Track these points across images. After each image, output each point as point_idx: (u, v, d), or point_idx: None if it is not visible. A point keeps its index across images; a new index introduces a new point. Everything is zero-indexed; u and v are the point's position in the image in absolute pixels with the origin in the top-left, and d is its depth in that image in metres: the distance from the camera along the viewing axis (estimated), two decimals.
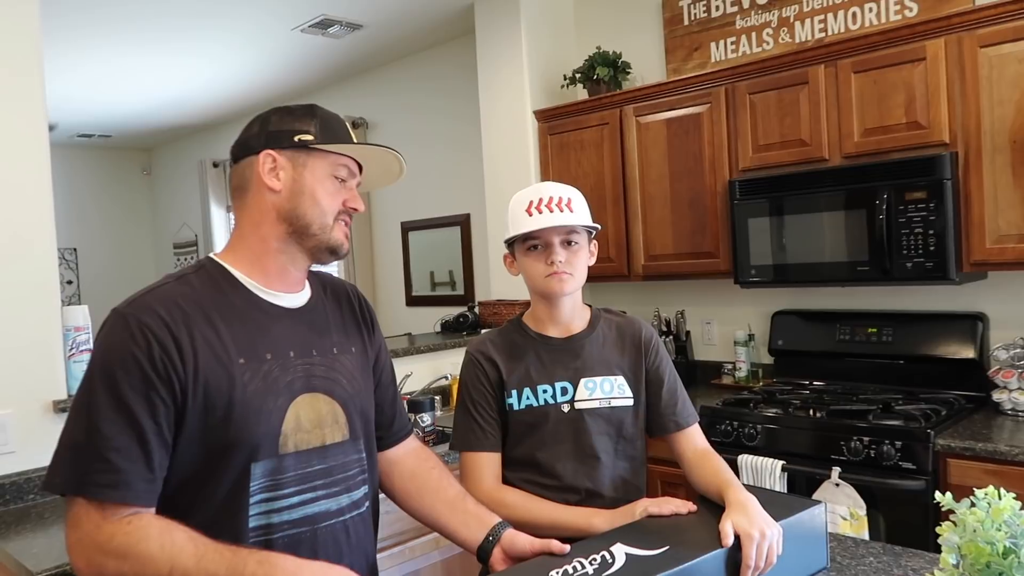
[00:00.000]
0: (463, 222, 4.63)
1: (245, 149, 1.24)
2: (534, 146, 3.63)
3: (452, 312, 3.86)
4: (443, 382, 3.18)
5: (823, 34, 3.00)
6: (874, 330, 2.88)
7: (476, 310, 3.74)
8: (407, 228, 5.04)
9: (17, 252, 2.17)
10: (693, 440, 1.61)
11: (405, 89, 4.98)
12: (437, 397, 2.90)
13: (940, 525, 1.06)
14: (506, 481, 1.57)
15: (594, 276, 3.45)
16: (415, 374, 2.98)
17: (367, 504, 1.30)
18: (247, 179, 1.24)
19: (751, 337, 3.25)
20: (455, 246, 4.69)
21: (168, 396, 1.09)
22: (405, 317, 5.02)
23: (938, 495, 1.07)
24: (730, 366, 3.31)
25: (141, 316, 1.11)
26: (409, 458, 1.45)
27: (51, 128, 5.29)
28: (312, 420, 1.21)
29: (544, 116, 3.59)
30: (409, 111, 4.95)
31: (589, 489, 1.54)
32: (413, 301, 5.03)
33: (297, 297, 1.28)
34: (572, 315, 1.61)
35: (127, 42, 4.35)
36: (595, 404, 1.56)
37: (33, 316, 2.18)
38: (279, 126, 1.23)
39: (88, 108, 5.89)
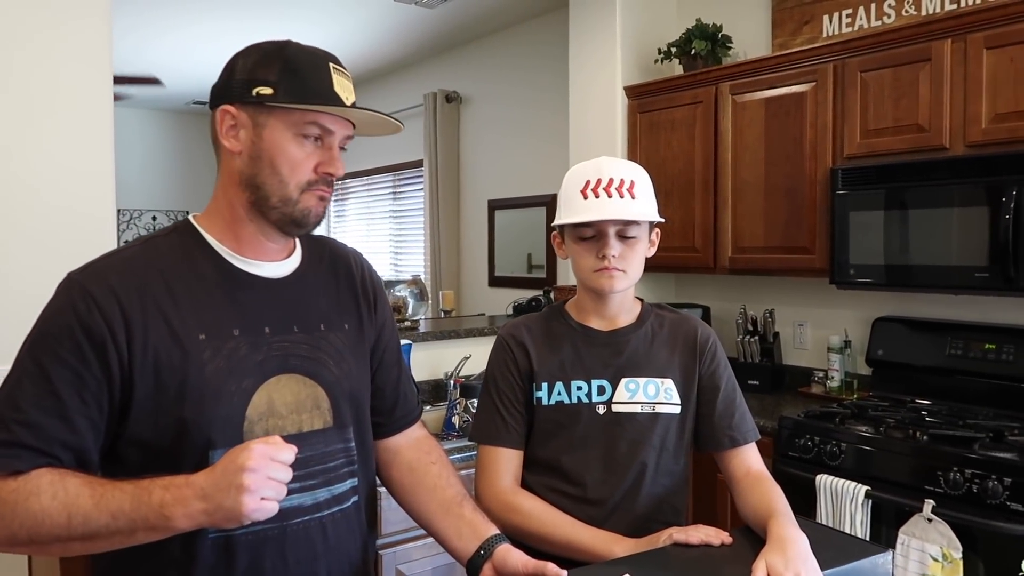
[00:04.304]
0: (549, 203, 4.45)
1: (212, 99, 1.10)
2: (622, 124, 3.41)
3: (529, 295, 3.71)
4: None
5: (955, 5, 2.63)
6: (992, 346, 2.52)
7: (552, 295, 3.58)
8: (494, 206, 4.92)
9: (76, 209, 2.17)
10: (748, 461, 1.39)
11: (498, 64, 4.85)
12: None
13: None
14: (525, 485, 1.41)
15: (677, 267, 3.28)
16: (474, 357, 2.86)
17: (353, 499, 1.16)
18: (216, 135, 1.09)
19: (847, 344, 2.93)
20: (540, 227, 4.53)
21: (102, 373, 0.98)
22: (487, 298, 4.92)
23: None
24: (821, 374, 3.00)
25: (88, 284, 1.01)
26: (411, 449, 1.30)
27: (157, 82, 5.41)
28: (289, 404, 1.08)
29: (635, 92, 3.36)
30: (501, 86, 4.81)
31: (618, 504, 1.36)
32: (496, 282, 4.92)
33: (280, 266, 1.15)
34: (620, 308, 1.43)
35: (230, 4, 4.42)
36: (635, 408, 1.37)
37: None
38: (242, 74, 1.06)
39: (201, 75, 6.07)
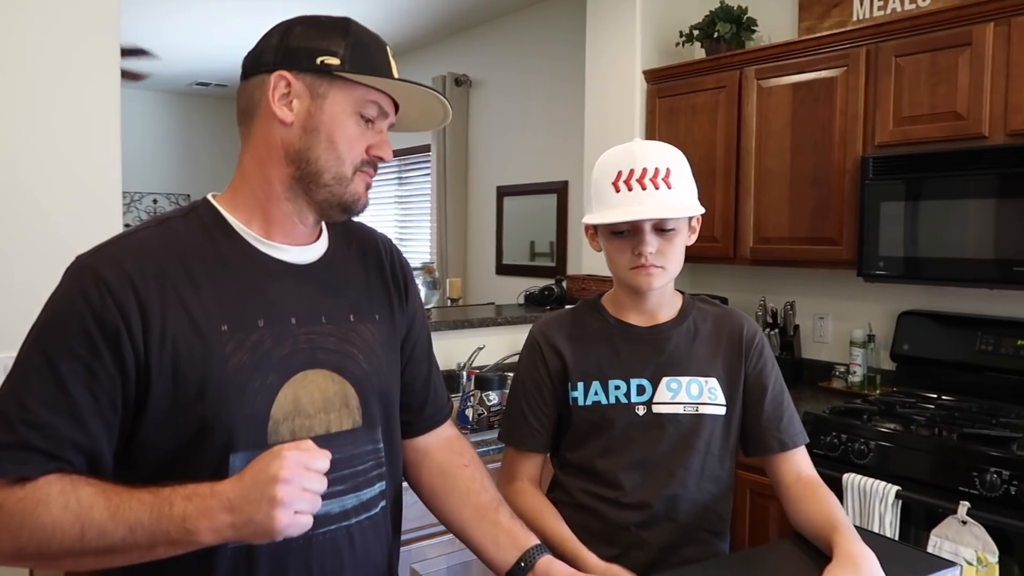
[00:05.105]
0: (560, 190, 4.36)
1: (256, 64, 1.00)
2: (640, 110, 3.31)
3: (540, 284, 3.62)
4: (516, 359, 2.96)
5: None
6: None
7: (564, 284, 3.49)
8: (503, 193, 4.82)
9: (81, 189, 2.08)
10: (798, 465, 1.31)
11: (509, 47, 4.73)
12: (509, 374, 2.67)
13: None
14: (562, 487, 1.34)
15: (695, 257, 3.12)
16: (488, 347, 2.78)
17: (381, 505, 1.08)
18: (255, 102, 1.00)
19: (871, 338, 2.85)
20: (550, 215, 4.43)
21: (115, 367, 0.89)
22: (495, 286, 4.83)
23: None
24: (843, 369, 2.92)
25: (101, 269, 0.91)
26: (442, 450, 1.22)
27: (147, 53, 5.25)
28: (316, 403, 0.99)
29: (654, 77, 3.26)
30: (513, 70, 4.70)
31: (660, 511, 1.28)
32: (503, 270, 4.83)
33: (307, 251, 1.05)
34: (660, 303, 1.34)
35: None
36: (678, 409, 1.29)
37: None
38: (301, 41, 0.98)
39: (202, 56, 5.96)
